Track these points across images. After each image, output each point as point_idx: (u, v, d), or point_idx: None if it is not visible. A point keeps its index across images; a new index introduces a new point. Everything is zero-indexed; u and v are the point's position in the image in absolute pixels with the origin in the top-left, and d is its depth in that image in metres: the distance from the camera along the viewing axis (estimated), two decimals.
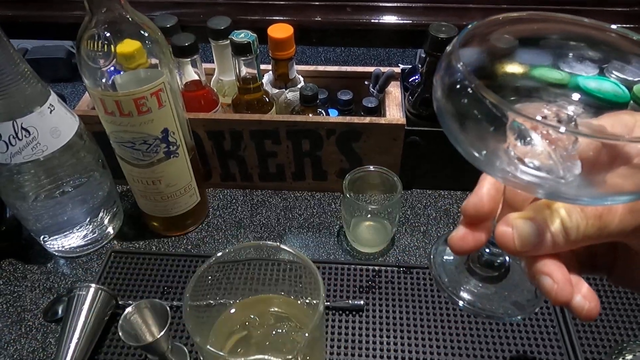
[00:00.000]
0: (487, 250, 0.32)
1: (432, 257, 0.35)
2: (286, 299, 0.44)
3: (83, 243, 0.60)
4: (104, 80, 0.48)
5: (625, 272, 0.28)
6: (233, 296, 0.44)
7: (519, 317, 0.32)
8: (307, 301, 0.42)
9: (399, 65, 0.70)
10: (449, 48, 0.25)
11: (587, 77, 0.33)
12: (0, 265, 0.60)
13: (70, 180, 0.55)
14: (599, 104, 0.30)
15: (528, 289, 0.33)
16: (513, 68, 0.30)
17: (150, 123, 0.50)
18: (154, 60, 0.49)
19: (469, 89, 0.22)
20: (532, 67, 0.32)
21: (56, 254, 0.61)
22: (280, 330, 0.42)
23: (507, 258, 0.33)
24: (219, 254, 0.40)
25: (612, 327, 0.52)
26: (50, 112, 0.51)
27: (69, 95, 0.78)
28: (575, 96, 0.30)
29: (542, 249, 0.25)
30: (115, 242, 0.63)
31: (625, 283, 0.29)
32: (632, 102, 0.42)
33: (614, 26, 0.29)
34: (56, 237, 0.58)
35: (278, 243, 0.40)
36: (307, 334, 0.34)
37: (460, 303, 0.33)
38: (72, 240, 0.60)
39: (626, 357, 0.47)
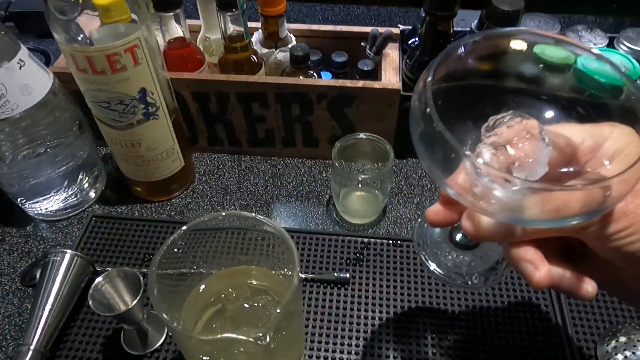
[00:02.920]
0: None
1: (418, 223, 0.39)
2: (264, 271, 0.42)
3: (63, 206, 0.58)
4: (79, 37, 0.44)
5: (595, 269, 0.29)
6: (208, 267, 0.42)
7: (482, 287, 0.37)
8: (285, 273, 0.40)
9: (399, 26, 0.66)
10: (420, 85, 0.27)
11: (590, 57, 0.31)
12: None
13: (46, 141, 0.52)
14: (576, 112, 0.30)
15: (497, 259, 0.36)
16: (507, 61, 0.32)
17: (125, 82, 0.47)
18: (134, 16, 0.45)
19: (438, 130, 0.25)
20: (534, 45, 0.32)
21: (36, 217, 0.59)
22: (256, 304, 0.41)
23: None
24: (191, 222, 0.37)
25: (608, 308, 0.49)
26: (20, 68, 0.48)
27: (56, 52, 0.74)
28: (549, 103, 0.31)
29: (505, 237, 0.28)
30: (96, 206, 0.61)
31: (598, 280, 0.28)
32: (625, 87, 0.39)
33: None
34: (34, 200, 0.56)
35: (254, 214, 0.37)
36: (278, 310, 0.32)
37: (432, 267, 0.36)
38: (51, 203, 0.57)
39: (620, 339, 0.45)
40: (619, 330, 0.46)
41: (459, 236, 0.36)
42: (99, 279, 0.42)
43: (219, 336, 0.33)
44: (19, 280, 0.53)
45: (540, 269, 0.27)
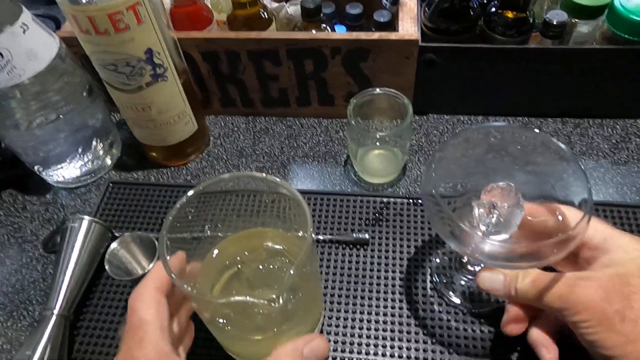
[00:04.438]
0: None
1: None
2: (280, 232, 0.41)
3: (80, 174, 0.58)
4: None
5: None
6: (223, 230, 0.41)
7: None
8: (300, 235, 0.39)
9: None
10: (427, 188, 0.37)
11: None
12: (0, 196, 0.59)
13: (58, 107, 0.51)
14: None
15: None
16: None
17: (130, 42, 0.45)
18: None
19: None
20: None
21: (55, 184, 0.59)
22: (272, 266, 0.40)
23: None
24: (201, 185, 0.36)
25: None
26: (24, 32, 0.47)
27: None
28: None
29: (506, 296, 0.38)
30: (113, 172, 0.61)
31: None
32: None
33: None
34: (51, 168, 0.56)
35: (264, 174, 0.36)
36: (292, 271, 0.31)
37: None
38: (68, 170, 0.57)
39: None
40: None
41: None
42: (114, 244, 0.42)
43: (232, 299, 0.32)
44: (41, 247, 0.54)
45: (551, 352, 0.38)
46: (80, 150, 0.56)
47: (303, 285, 0.36)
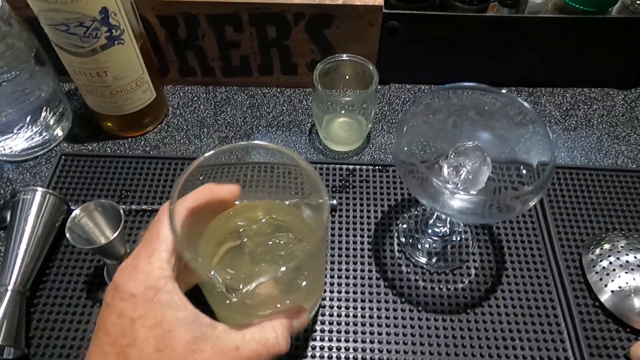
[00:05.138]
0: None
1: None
2: (285, 207, 0.40)
3: (27, 146, 0.55)
4: None
5: None
6: None
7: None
8: (307, 204, 0.38)
9: None
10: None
11: None
12: None
13: (0, 73, 0.48)
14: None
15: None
16: None
17: (84, 0, 0.43)
18: None
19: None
20: None
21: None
22: (278, 241, 0.38)
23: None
24: (207, 154, 0.34)
25: (592, 221, 0.50)
26: None
27: None
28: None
29: None
30: (65, 144, 0.58)
31: None
32: None
33: None
34: None
35: (272, 144, 0.34)
36: (307, 246, 0.30)
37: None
38: (15, 142, 0.54)
39: (604, 247, 0.46)
40: (602, 238, 0.46)
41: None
42: (76, 212, 0.40)
43: (254, 284, 0.30)
44: None
45: None
46: (28, 119, 0.52)
47: (313, 262, 0.35)
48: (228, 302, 0.30)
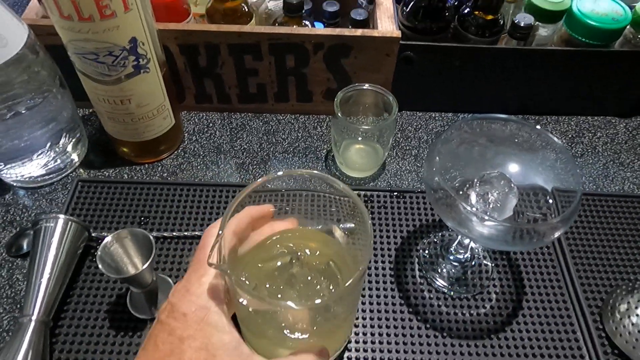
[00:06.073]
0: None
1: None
2: (326, 238, 0.40)
3: (44, 172, 0.54)
4: None
5: None
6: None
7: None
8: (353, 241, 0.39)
9: None
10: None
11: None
12: None
13: (23, 100, 0.48)
14: None
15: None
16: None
17: (115, 30, 0.43)
18: None
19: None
20: None
21: (14, 184, 0.55)
22: (321, 278, 0.38)
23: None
24: (262, 180, 0.35)
25: (604, 245, 0.52)
26: None
27: (16, 4, 0.68)
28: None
29: None
30: (81, 170, 0.57)
31: None
32: (629, 26, 0.53)
33: None
34: (13, 165, 0.52)
35: (328, 176, 0.36)
36: (346, 284, 0.31)
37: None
38: (31, 169, 0.53)
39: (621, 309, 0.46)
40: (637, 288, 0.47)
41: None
42: (107, 239, 0.39)
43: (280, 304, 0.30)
44: (4, 251, 0.50)
45: None
46: (48, 145, 0.52)
47: (340, 302, 0.35)
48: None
